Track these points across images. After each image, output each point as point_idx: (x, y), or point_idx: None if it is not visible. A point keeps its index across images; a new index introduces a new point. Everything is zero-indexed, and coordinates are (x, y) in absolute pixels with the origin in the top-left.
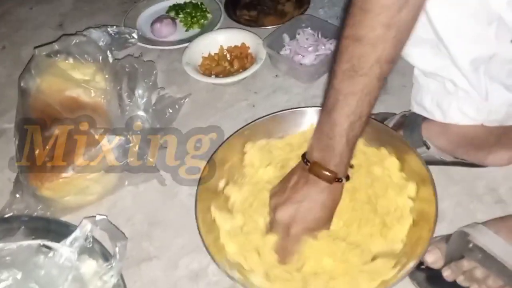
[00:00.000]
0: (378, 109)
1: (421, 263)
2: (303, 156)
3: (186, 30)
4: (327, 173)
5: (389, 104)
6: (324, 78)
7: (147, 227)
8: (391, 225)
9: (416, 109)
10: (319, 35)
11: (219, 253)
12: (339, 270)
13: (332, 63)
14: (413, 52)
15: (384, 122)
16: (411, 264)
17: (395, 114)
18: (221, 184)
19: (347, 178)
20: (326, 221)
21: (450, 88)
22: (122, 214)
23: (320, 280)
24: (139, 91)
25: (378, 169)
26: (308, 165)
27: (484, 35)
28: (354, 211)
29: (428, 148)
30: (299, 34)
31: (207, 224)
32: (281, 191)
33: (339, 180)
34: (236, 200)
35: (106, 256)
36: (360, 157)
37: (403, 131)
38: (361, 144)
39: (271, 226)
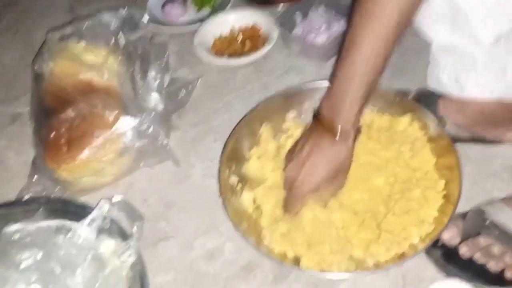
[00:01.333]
0: (393, 86)
1: (437, 240)
2: (314, 113)
3: (197, 11)
4: (333, 124)
5: (404, 82)
6: None
7: (163, 208)
8: (382, 242)
9: (433, 85)
10: (332, 14)
11: (236, 159)
12: (302, 248)
13: (348, 16)
14: (431, 29)
15: None
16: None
17: (410, 90)
18: (291, 114)
19: (357, 132)
20: (330, 181)
21: (468, 63)
22: (138, 195)
23: (283, 242)
24: (151, 73)
25: (417, 193)
26: (317, 119)
27: (505, 6)
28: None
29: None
30: (312, 13)
31: (250, 133)
32: (292, 149)
33: (345, 134)
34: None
35: (123, 236)
36: (417, 175)
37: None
38: (431, 166)
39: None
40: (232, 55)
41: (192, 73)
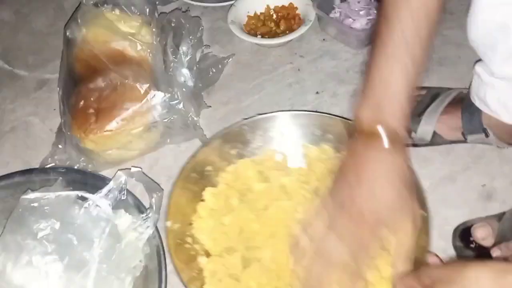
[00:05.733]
0: (431, 81)
1: (470, 241)
2: (352, 128)
3: None
4: (383, 128)
5: (443, 77)
6: None
7: None
8: None
9: (478, 104)
10: None
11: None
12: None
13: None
14: (487, 54)
15: (439, 99)
16: None
17: (449, 89)
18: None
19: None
20: (399, 198)
21: None
22: (163, 171)
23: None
24: (183, 48)
25: None
26: (358, 129)
27: None
28: None
29: (487, 136)
30: None
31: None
32: (344, 183)
33: (396, 137)
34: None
35: (141, 208)
36: None
37: (462, 112)
38: None
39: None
40: (265, 34)
41: (224, 51)
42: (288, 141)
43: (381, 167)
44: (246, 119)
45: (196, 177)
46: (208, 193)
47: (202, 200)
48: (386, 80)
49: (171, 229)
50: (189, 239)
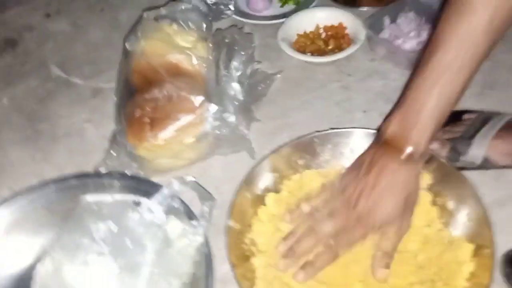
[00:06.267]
0: (481, 105)
1: None
2: (379, 128)
3: (281, 6)
4: (401, 144)
5: (494, 101)
6: None
7: None
8: None
9: None
10: (423, 21)
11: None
12: None
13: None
14: None
15: (490, 123)
16: None
17: (501, 113)
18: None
19: (427, 158)
20: (397, 217)
21: None
22: (211, 181)
23: None
24: (235, 63)
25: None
26: (382, 137)
27: None
28: None
29: None
30: (401, 17)
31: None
32: (353, 172)
33: (414, 157)
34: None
35: (191, 216)
36: None
37: None
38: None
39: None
40: (314, 52)
41: (272, 67)
42: None
43: (398, 180)
44: (318, 131)
45: (260, 182)
46: (270, 198)
47: (263, 205)
48: (420, 101)
49: (233, 228)
50: (246, 240)
